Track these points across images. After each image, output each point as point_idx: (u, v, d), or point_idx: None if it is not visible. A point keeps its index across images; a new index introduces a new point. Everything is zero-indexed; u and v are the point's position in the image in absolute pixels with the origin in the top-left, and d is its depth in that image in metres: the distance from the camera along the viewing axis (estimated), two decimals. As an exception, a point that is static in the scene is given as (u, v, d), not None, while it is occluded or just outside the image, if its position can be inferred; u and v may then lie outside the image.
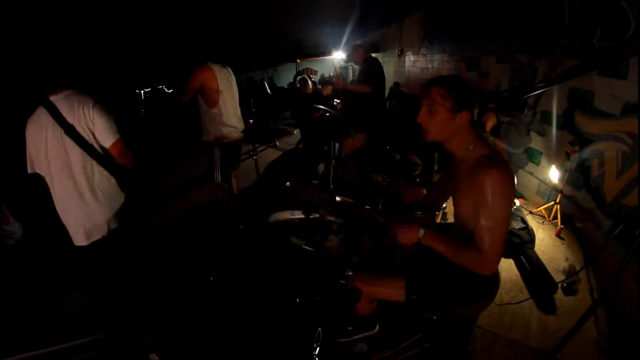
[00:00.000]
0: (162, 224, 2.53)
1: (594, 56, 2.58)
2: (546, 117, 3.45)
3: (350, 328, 1.69)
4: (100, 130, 1.82)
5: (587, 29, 2.64)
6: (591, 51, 2.64)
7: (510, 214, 1.16)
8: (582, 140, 2.86)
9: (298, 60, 15.64)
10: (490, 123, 3.92)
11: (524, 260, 2.47)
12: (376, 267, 1.54)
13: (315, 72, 16.73)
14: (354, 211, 1.73)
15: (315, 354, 1.59)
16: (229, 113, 3.17)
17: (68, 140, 1.79)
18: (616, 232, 1.73)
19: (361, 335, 1.68)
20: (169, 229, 2.46)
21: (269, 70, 15.02)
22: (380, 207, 1.99)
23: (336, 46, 11.16)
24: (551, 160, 3.24)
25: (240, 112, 3.38)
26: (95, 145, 1.85)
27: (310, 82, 6.64)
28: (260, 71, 14.05)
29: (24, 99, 1.85)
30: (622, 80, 2.44)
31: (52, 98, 1.79)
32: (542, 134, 3.54)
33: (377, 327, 1.71)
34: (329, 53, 12.68)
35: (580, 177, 2.92)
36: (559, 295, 2.22)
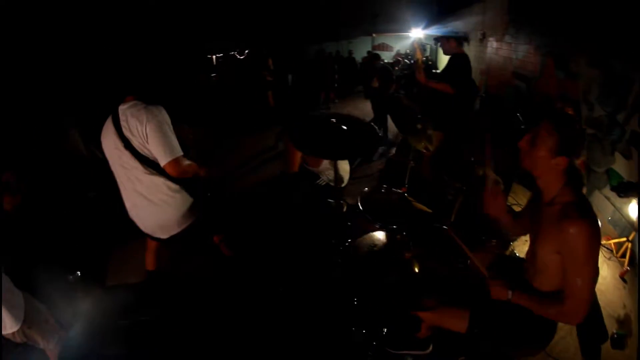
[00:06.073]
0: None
1: None
2: (636, 138, 2.94)
3: (402, 341, 1.75)
4: (153, 149, 1.72)
5: None
6: None
7: (597, 264, 1.14)
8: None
9: (374, 35, 15.06)
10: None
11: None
12: (444, 293, 1.53)
13: (392, 49, 16.05)
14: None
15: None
16: None
17: (127, 153, 1.74)
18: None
19: (413, 352, 1.74)
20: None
21: (343, 42, 14.67)
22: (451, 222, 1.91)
23: (414, 24, 10.44)
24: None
25: None
26: (153, 159, 1.77)
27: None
28: (334, 43, 13.81)
29: (99, 107, 1.88)
30: None
31: (121, 107, 1.74)
32: (628, 156, 3.03)
33: (431, 347, 1.75)
34: (406, 30, 11.96)
35: (662, 218, 2.49)
36: (606, 345, 2.00)
